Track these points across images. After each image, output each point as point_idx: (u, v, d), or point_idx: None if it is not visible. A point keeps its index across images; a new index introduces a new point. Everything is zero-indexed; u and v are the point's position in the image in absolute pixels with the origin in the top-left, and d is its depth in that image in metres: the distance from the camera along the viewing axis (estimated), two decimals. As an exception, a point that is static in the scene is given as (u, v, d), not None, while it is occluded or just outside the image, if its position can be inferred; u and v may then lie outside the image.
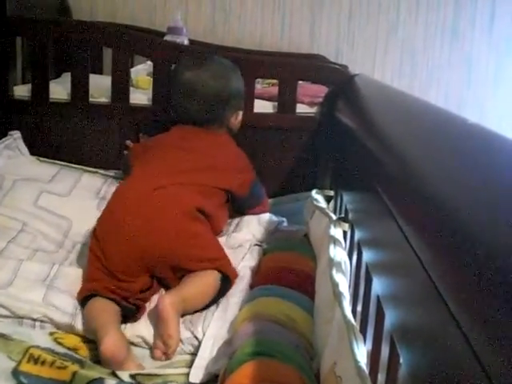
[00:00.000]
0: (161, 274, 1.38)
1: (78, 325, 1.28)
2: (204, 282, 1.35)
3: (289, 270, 1.36)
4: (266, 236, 1.60)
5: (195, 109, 1.59)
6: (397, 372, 0.77)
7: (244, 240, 1.55)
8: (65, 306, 1.31)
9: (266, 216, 1.66)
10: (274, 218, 1.66)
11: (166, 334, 1.22)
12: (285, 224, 1.68)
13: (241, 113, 1.68)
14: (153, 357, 1.23)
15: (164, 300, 1.25)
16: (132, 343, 1.27)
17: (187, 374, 1.16)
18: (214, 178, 1.52)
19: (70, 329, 1.28)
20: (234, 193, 1.57)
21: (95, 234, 1.40)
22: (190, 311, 1.31)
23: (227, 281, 1.37)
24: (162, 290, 1.39)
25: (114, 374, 1.14)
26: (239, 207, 1.63)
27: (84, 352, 1.24)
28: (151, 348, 1.26)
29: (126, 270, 1.34)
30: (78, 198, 1.65)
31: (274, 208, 1.73)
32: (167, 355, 1.22)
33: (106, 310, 1.28)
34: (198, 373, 1.15)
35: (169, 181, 1.44)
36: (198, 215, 1.43)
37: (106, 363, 1.16)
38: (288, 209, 1.76)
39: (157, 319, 1.25)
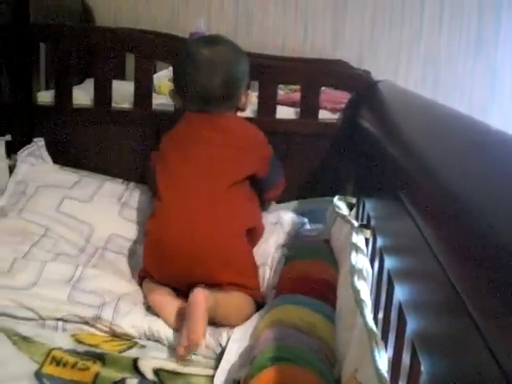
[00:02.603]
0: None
1: (105, 315, 1.30)
2: (240, 303, 1.38)
3: (310, 279, 1.36)
4: (288, 240, 1.61)
5: (217, 84, 1.54)
6: (418, 379, 0.77)
7: (269, 254, 1.56)
8: (91, 302, 1.33)
9: (289, 218, 1.66)
10: (296, 219, 1.67)
11: (192, 331, 1.21)
12: (307, 226, 1.68)
13: (249, 92, 1.67)
14: (176, 352, 1.22)
15: (198, 293, 1.26)
16: (154, 339, 1.30)
17: (209, 377, 1.16)
18: (242, 166, 1.54)
19: (95, 321, 1.29)
20: (256, 176, 1.58)
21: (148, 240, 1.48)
22: (218, 319, 1.31)
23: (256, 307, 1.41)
24: None
25: (135, 368, 1.16)
26: (258, 190, 1.63)
27: (106, 346, 1.25)
28: (171, 346, 1.27)
29: (172, 286, 1.43)
30: (99, 204, 1.67)
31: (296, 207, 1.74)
32: (189, 350, 1.22)
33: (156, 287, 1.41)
34: (221, 376, 1.15)
35: (207, 193, 1.45)
36: (244, 238, 1.48)
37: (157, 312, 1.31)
38: (310, 208, 1.77)
39: (187, 314, 1.25)
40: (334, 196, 1.55)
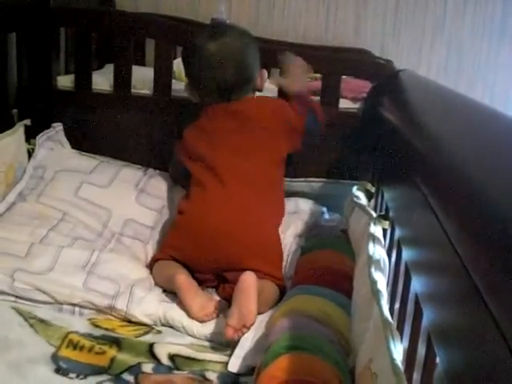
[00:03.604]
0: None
1: (119, 305, 1.31)
2: (270, 291, 1.40)
3: (326, 269, 1.36)
4: (306, 230, 1.60)
5: (231, 76, 1.54)
6: (433, 371, 0.77)
7: (286, 245, 1.57)
8: (105, 291, 1.34)
9: (307, 208, 1.66)
10: (315, 208, 1.67)
11: (245, 307, 1.24)
12: (325, 215, 1.68)
13: (264, 71, 1.65)
14: (225, 336, 1.23)
15: (250, 275, 1.29)
16: (169, 326, 1.31)
17: (224, 363, 1.17)
18: (273, 147, 1.56)
19: (110, 310, 1.31)
20: (295, 149, 1.61)
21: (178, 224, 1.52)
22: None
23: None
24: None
25: (151, 353, 1.16)
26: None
27: (122, 330, 1.26)
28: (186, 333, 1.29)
29: (196, 266, 1.47)
30: (117, 189, 1.67)
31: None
32: (241, 331, 1.23)
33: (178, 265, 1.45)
34: (236, 362, 1.16)
35: (244, 179, 1.50)
36: (277, 228, 1.55)
37: (181, 294, 1.33)
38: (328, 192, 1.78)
39: (239, 293, 1.27)
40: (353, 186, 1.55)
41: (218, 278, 1.46)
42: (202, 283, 1.44)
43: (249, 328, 1.23)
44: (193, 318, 1.30)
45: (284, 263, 1.52)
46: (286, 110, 1.60)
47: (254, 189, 1.50)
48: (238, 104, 1.56)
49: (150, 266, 1.50)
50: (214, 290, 1.46)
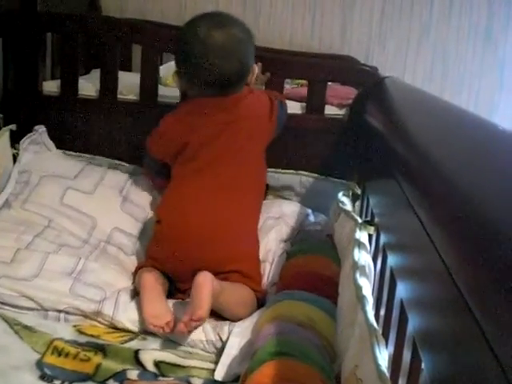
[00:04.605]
0: None
1: (105, 310, 1.30)
2: (243, 295, 1.39)
3: (312, 274, 1.36)
4: (291, 234, 1.61)
5: (234, 69, 1.47)
6: (418, 377, 0.77)
7: (270, 250, 1.57)
8: (92, 296, 1.33)
9: (291, 211, 1.68)
10: (299, 211, 1.69)
11: (195, 307, 1.21)
12: (311, 218, 1.68)
13: (255, 66, 1.59)
14: (176, 331, 1.22)
15: (205, 276, 1.26)
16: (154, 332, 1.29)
17: (210, 370, 1.16)
18: (259, 140, 1.56)
19: (96, 315, 1.30)
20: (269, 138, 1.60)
21: (160, 229, 1.50)
22: (220, 306, 1.31)
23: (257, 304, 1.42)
24: None
25: (137, 360, 1.16)
26: None
27: (108, 337, 1.25)
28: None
29: (178, 276, 1.46)
30: (102, 196, 1.66)
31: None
32: (188, 328, 1.22)
33: (157, 274, 1.42)
34: (222, 370, 1.15)
35: (223, 181, 1.48)
36: (256, 231, 1.54)
37: (141, 295, 1.31)
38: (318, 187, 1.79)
39: (192, 293, 1.25)
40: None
41: None
42: (184, 292, 1.43)
43: (199, 322, 1.22)
44: (142, 321, 1.28)
45: (269, 268, 1.52)
46: (266, 96, 1.60)
47: (236, 191, 1.48)
48: (232, 98, 1.51)
49: (134, 275, 1.49)
50: None
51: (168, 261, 1.44)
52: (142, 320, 1.29)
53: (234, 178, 1.49)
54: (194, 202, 1.46)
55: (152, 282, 1.35)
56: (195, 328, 1.23)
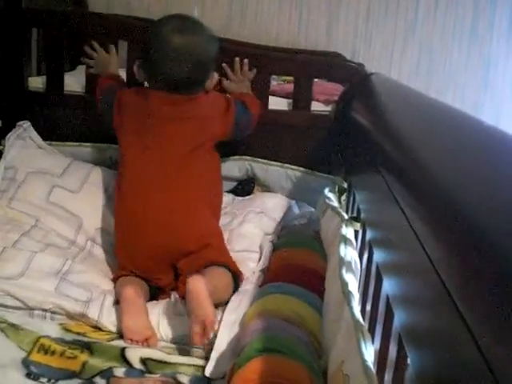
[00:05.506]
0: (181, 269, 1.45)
1: (91, 313, 1.29)
2: (222, 278, 1.39)
3: (299, 267, 1.37)
4: (276, 227, 1.62)
5: (185, 74, 1.51)
6: (404, 372, 0.77)
7: (255, 243, 1.58)
8: (77, 296, 1.32)
9: (273, 205, 1.70)
10: (282, 203, 1.71)
11: (203, 315, 1.20)
12: (295, 209, 1.70)
13: (215, 74, 1.64)
14: (192, 343, 1.21)
15: (197, 281, 1.24)
16: None
17: (197, 366, 1.16)
18: (201, 133, 1.55)
19: (81, 317, 1.29)
20: (222, 139, 1.60)
21: (116, 227, 1.52)
22: (215, 300, 1.30)
23: (236, 281, 1.42)
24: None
25: (123, 358, 1.16)
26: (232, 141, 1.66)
27: (94, 335, 1.25)
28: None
29: (151, 269, 1.45)
30: (88, 195, 1.66)
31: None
32: (206, 336, 1.21)
33: (136, 283, 1.40)
34: (212, 367, 1.15)
35: (162, 166, 1.49)
36: (204, 206, 1.51)
37: (122, 308, 1.28)
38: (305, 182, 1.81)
39: (190, 301, 1.23)
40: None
41: (176, 279, 1.46)
42: (165, 289, 1.44)
43: (213, 328, 1.21)
44: (121, 334, 1.26)
45: (254, 260, 1.53)
46: (222, 99, 1.62)
47: (189, 177, 1.50)
48: (180, 98, 1.54)
49: (114, 282, 1.46)
50: (175, 292, 1.42)
51: (138, 258, 1.45)
52: (121, 332, 1.27)
53: (181, 164, 1.50)
54: (148, 189, 1.47)
55: (132, 296, 1.31)
56: (212, 333, 1.22)
